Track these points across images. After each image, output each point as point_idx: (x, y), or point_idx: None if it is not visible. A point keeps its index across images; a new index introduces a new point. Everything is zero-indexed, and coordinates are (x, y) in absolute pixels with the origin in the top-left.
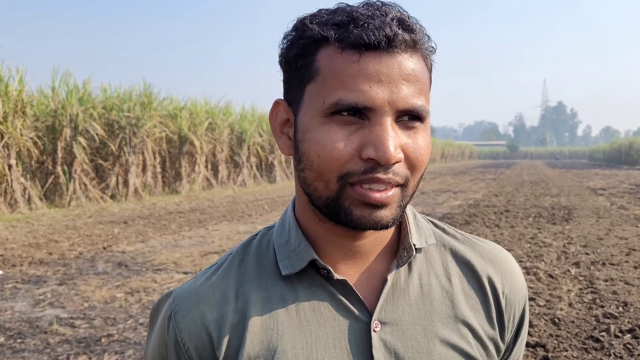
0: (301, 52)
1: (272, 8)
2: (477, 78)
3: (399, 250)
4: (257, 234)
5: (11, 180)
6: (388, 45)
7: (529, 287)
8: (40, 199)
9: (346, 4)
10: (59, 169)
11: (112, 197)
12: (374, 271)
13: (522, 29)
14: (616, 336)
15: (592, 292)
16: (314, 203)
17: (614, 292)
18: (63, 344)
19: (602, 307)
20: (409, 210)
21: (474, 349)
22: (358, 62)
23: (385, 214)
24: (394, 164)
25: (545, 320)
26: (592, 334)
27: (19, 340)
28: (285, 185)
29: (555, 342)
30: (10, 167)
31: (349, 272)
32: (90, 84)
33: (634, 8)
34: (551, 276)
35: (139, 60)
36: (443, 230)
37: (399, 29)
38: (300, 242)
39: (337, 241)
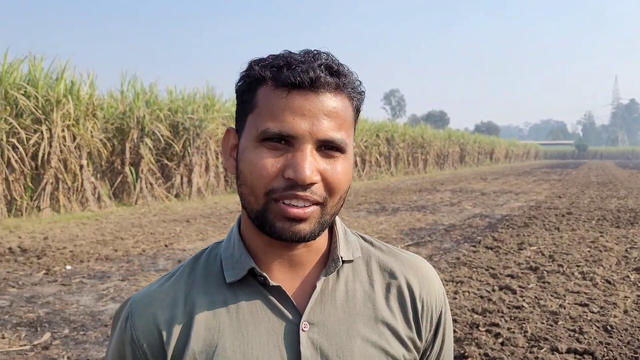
0: (246, 88)
1: (340, 12)
2: (544, 75)
3: (328, 261)
4: (207, 248)
5: (82, 180)
6: (311, 85)
7: (584, 293)
8: (109, 198)
9: (288, 52)
10: (127, 169)
11: (177, 196)
12: (307, 279)
13: (591, 24)
14: None
15: None
16: (249, 216)
17: None
18: None
19: None
20: (340, 227)
21: (392, 346)
22: (286, 98)
23: (304, 227)
24: (311, 184)
25: (597, 327)
26: None
27: (81, 332)
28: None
29: (605, 349)
30: (81, 167)
31: (284, 279)
32: (157, 87)
33: None
34: (608, 282)
35: (200, 61)
36: (370, 243)
37: (324, 72)
38: (241, 253)
39: (273, 251)
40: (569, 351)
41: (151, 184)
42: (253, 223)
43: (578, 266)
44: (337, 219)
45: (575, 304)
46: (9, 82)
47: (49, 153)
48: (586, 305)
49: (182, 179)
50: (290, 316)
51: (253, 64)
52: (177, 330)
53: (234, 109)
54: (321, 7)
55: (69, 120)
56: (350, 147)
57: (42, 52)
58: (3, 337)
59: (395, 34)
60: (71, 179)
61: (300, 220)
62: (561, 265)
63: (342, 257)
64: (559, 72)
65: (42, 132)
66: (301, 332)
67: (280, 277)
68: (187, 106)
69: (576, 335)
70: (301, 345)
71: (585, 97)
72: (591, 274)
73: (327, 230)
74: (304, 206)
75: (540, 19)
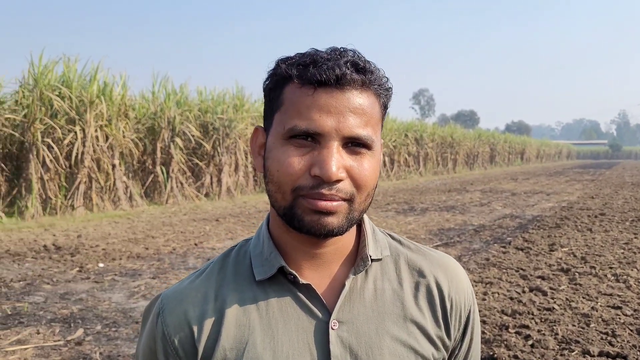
0: (273, 86)
1: (363, 12)
2: (577, 74)
3: (357, 259)
4: (236, 245)
5: (115, 179)
6: (337, 82)
7: (617, 295)
8: (141, 197)
9: (315, 49)
10: (158, 168)
11: (206, 195)
12: (336, 277)
13: (626, 22)
14: None
15: None
16: (278, 213)
17: None
18: None
19: None
20: (369, 225)
21: (421, 345)
22: (312, 96)
23: (332, 221)
24: (337, 181)
25: (630, 330)
26: None
27: (113, 329)
28: None
29: (639, 353)
30: (114, 166)
31: (313, 277)
32: (187, 88)
33: None
34: None
35: (229, 61)
36: (399, 242)
37: (350, 70)
38: (271, 251)
39: (302, 249)
40: (601, 354)
41: (181, 184)
42: (282, 219)
43: (611, 268)
44: (366, 217)
45: (608, 306)
46: (44, 83)
47: (83, 153)
48: (619, 307)
49: (211, 178)
50: (319, 314)
51: (280, 63)
52: (207, 326)
53: (263, 108)
54: (354, 8)
55: (102, 121)
56: (377, 144)
57: (77, 53)
58: (38, 333)
59: (424, 33)
60: (104, 178)
61: (329, 213)
62: (593, 267)
63: (370, 256)
64: (592, 71)
65: (75, 132)
66: (330, 330)
67: (309, 275)
68: (216, 106)
69: (608, 338)
70: (330, 343)
71: (619, 96)
72: (624, 276)
73: (355, 228)
74: (331, 199)
75: (574, 18)
